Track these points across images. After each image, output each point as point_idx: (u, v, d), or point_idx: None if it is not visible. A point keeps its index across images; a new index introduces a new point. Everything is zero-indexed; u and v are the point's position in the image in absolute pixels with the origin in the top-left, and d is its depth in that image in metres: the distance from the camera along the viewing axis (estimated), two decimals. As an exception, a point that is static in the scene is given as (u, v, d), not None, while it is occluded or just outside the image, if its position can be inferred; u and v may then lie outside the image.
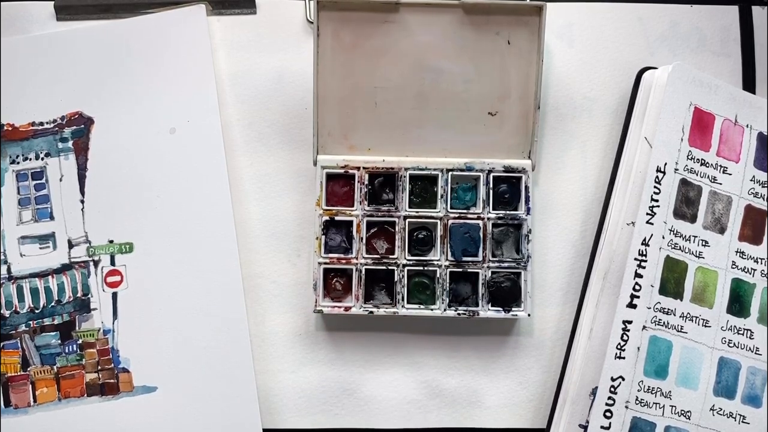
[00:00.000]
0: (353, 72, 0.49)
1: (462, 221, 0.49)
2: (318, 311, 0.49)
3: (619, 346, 0.47)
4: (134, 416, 0.49)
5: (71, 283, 0.50)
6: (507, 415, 0.51)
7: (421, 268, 0.49)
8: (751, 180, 0.50)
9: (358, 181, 0.49)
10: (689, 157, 0.49)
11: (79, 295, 0.50)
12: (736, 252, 0.49)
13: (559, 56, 0.52)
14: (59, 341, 0.49)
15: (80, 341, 0.49)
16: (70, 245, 0.50)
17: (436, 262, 0.49)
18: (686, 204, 0.49)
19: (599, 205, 0.51)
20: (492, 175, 0.49)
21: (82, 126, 0.50)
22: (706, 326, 0.49)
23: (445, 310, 0.49)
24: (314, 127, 0.49)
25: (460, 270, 0.49)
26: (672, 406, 0.48)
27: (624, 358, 0.47)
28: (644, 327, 0.47)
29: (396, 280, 0.49)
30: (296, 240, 0.51)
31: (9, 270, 0.50)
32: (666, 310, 0.48)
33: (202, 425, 0.49)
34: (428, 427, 0.51)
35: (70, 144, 0.50)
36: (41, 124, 0.50)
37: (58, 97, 0.51)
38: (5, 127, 0.50)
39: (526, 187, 0.49)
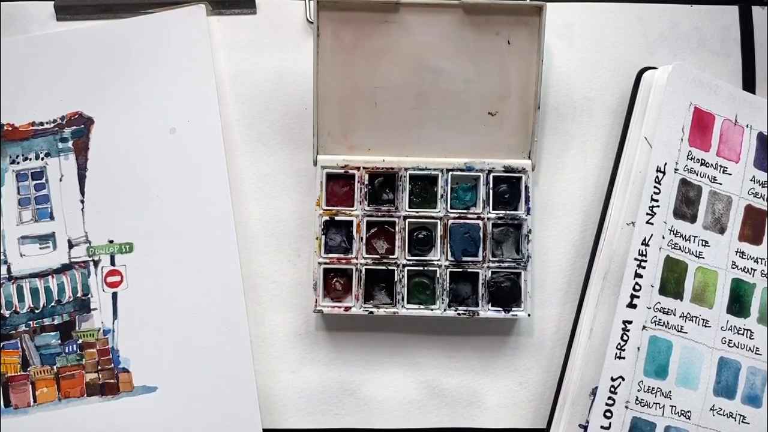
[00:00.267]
0: (353, 72, 0.49)
1: (462, 221, 0.49)
2: (318, 311, 0.49)
3: (619, 346, 0.47)
4: (134, 416, 0.49)
5: (71, 283, 0.50)
6: (507, 415, 0.51)
7: (421, 268, 0.49)
8: (751, 180, 0.50)
9: (358, 181, 0.49)
10: (689, 157, 0.49)
11: (79, 295, 0.50)
12: (736, 252, 0.49)
13: (559, 56, 0.52)
14: (59, 341, 0.49)
15: (80, 341, 0.49)
16: (70, 245, 0.50)
17: (436, 262, 0.49)
18: (686, 204, 0.49)
19: (599, 205, 0.51)
20: (492, 175, 0.49)
21: (82, 126, 0.50)
22: (706, 326, 0.49)
23: (445, 310, 0.49)
24: (314, 127, 0.49)
25: (460, 270, 0.49)
26: (672, 406, 0.48)
27: (624, 358, 0.47)
28: (644, 327, 0.47)
29: (396, 280, 0.49)
30: (296, 240, 0.51)
31: (9, 270, 0.50)
32: (666, 310, 0.48)
33: (202, 425, 0.49)
34: (428, 427, 0.51)
35: (70, 144, 0.50)
36: (41, 124, 0.50)
37: (58, 97, 0.51)
38: (5, 127, 0.50)
39: (526, 187, 0.49)
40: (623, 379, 0.47)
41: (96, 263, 0.50)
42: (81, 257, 0.50)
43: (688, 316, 0.48)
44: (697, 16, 0.53)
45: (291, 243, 0.51)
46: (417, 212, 0.49)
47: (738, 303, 0.49)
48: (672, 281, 0.48)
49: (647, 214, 0.47)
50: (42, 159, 0.50)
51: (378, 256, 0.49)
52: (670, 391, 0.48)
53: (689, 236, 0.48)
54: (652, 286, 0.47)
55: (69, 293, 0.50)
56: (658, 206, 0.48)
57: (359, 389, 0.50)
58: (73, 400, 0.49)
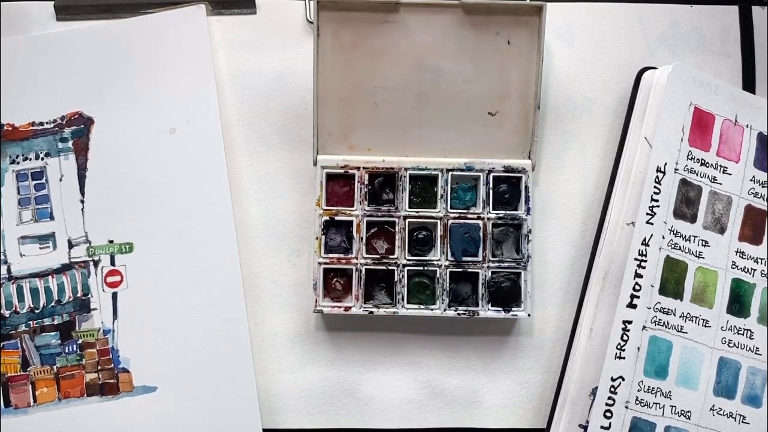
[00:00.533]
0: (353, 72, 0.49)
1: (462, 221, 0.49)
2: (318, 311, 0.49)
3: (619, 346, 0.47)
4: (134, 416, 0.49)
5: (71, 283, 0.50)
6: (507, 415, 0.51)
7: (421, 268, 0.49)
8: (751, 180, 0.50)
9: (358, 181, 0.49)
10: (689, 157, 0.49)
11: (79, 295, 0.50)
12: (736, 252, 0.49)
13: (559, 56, 0.52)
14: (59, 341, 0.49)
15: (80, 341, 0.49)
16: (70, 245, 0.50)
17: (436, 262, 0.49)
18: (686, 204, 0.49)
19: (599, 205, 0.51)
20: (492, 175, 0.49)
21: (82, 126, 0.50)
22: (706, 326, 0.49)
23: (445, 310, 0.49)
24: (314, 127, 0.49)
25: (460, 270, 0.49)
26: (672, 406, 0.48)
27: (624, 358, 0.47)
28: (644, 327, 0.47)
29: (396, 280, 0.49)
30: (296, 240, 0.51)
31: (9, 270, 0.50)
32: (666, 310, 0.48)
33: (202, 425, 0.49)
34: (428, 427, 0.51)
35: (70, 144, 0.50)
36: (41, 124, 0.50)
37: (58, 97, 0.51)
38: (5, 127, 0.50)
39: (526, 187, 0.49)
40: (623, 379, 0.47)
41: (96, 263, 0.50)
42: (81, 257, 0.50)
43: (688, 316, 0.48)
44: (697, 16, 0.53)
45: (291, 243, 0.51)
46: (417, 212, 0.49)
47: (738, 303, 0.49)
48: (672, 281, 0.48)
49: (647, 214, 0.47)
50: (42, 159, 0.50)
51: (378, 256, 0.49)
52: (670, 391, 0.48)
53: (689, 236, 0.48)
54: (652, 286, 0.47)
55: (69, 293, 0.50)
56: (658, 206, 0.48)
57: (359, 389, 0.50)
58: (73, 400, 0.49)
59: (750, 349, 0.49)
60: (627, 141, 0.50)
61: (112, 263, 0.50)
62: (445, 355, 0.51)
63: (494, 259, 0.49)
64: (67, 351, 0.49)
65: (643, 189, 0.48)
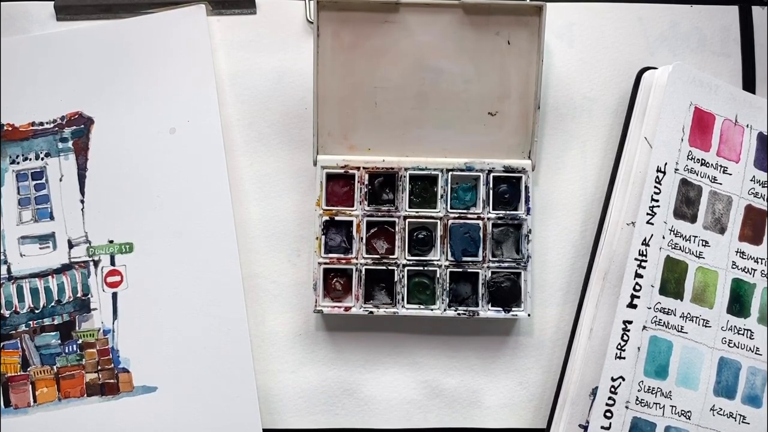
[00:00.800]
0: (353, 72, 0.49)
1: (462, 221, 0.49)
2: (318, 311, 0.49)
3: (619, 346, 0.47)
4: (134, 416, 0.49)
5: (71, 283, 0.50)
6: (507, 415, 0.51)
7: (421, 268, 0.49)
8: (751, 180, 0.50)
9: (358, 181, 0.49)
10: (689, 157, 0.49)
11: (79, 295, 0.50)
12: (737, 252, 0.49)
13: (559, 56, 0.52)
14: (59, 341, 0.49)
15: (80, 341, 0.49)
16: (70, 245, 0.50)
17: (436, 262, 0.49)
18: (686, 204, 0.49)
19: (599, 205, 0.51)
20: (492, 175, 0.49)
21: (82, 126, 0.50)
22: (706, 326, 0.49)
23: (445, 310, 0.49)
24: (314, 127, 0.49)
25: (460, 270, 0.49)
26: (672, 406, 0.48)
27: (624, 358, 0.47)
28: (644, 327, 0.47)
29: (396, 280, 0.49)
30: (296, 240, 0.51)
31: (9, 270, 0.50)
32: (666, 310, 0.48)
33: (202, 425, 0.49)
34: (428, 427, 0.51)
35: (70, 144, 0.50)
36: (41, 124, 0.50)
37: (58, 97, 0.51)
38: (5, 127, 0.50)
39: (526, 187, 0.49)
40: (623, 379, 0.47)
41: (96, 263, 0.50)
42: (81, 257, 0.50)
43: (689, 316, 0.48)
44: (697, 16, 0.53)
45: (291, 243, 0.51)
46: (417, 212, 0.49)
47: (738, 303, 0.49)
48: (672, 281, 0.48)
49: (647, 214, 0.47)
50: (42, 159, 0.50)
51: (378, 256, 0.49)
52: (670, 391, 0.48)
53: (689, 236, 0.48)
54: (652, 286, 0.47)
55: (69, 293, 0.50)
56: (658, 206, 0.48)
57: (359, 389, 0.50)
58: (73, 400, 0.49)
59: (750, 349, 0.49)
60: (627, 141, 0.50)
61: (112, 263, 0.50)
62: (445, 355, 0.51)
63: (494, 259, 0.49)
64: (67, 351, 0.49)
65: (643, 189, 0.48)
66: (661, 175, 0.48)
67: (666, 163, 0.48)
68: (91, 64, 0.51)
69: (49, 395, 0.49)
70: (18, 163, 0.50)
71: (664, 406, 0.48)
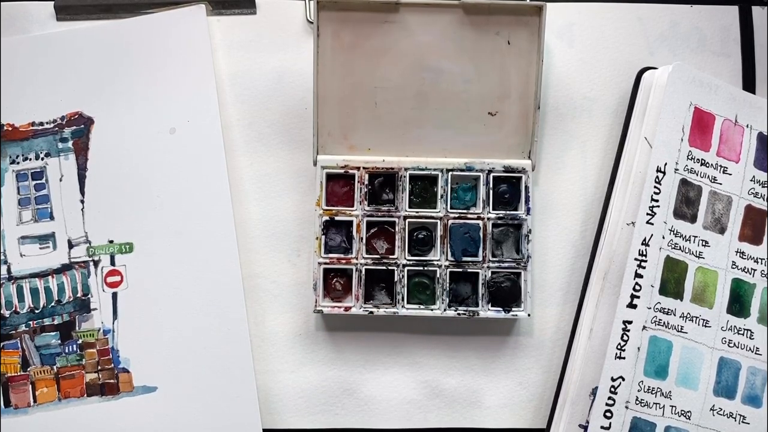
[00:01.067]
0: (353, 72, 0.49)
1: (462, 221, 0.49)
2: (318, 311, 0.49)
3: (619, 346, 0.47)
4: (134, 416, 0.49)
5: (71, 283, 0.50)
6: (507, 415, 0.51)
7: (421, 268, 0.49)
8: (751, 180, 0.50)
9: (358, 181, 0.49)
10: (689, 157, 0.49)
11: (79, 295, 0.50)
12: (736, 252, 0.49)
13: (559, 56, 0.52)
14: (59, 341, 0.49)
15: (80, 341, 0.49)
16: (70, 245, 0.50)
17: (436, 262, 0.49)
18: (686, 204, 0.49)
19: (599, 205, 0.51)
20: (492, 175, 0.49)
21: (82, 126, 0.50)
22: (706, 326, 0.49)
23: (445, 310, 0.49)
24: (314, 127, 0.49)
25: (460, 270, 0.49)
26: (672, 406, 0.48)
27: (624, 358, 0.47)
28: (644, 327, 0.47)
29: (396, 280, 0.49)
30: (296, 240, 0.51)
31: (9, 270, 0.50)
32: (666, 310, 0.48)
33: (202, 425, 0.49)
34: (428, 427, 0.51)
35: (70, 144, 0.50)
36: (41, 124, 0.50)
37: (58, 97, 0.51)
38: (5, 127, 0.50)
39: (526, 187, 0.49)
40: (623, 379, 0.47)
41: (96, 263, 0.50)
42: (81, 257, 0.50)
43: (688, 316, 0.48)
44: (697, 16, 0.53)
45: (291, 243, 0.51)
46: (417, 212, 0.49)
47: (738, 303, 0.49)
48: (672, 281, 0.48)
49: (647, 214, 0.47)
50: (42, 159, 0.50)
51: (378, 256, 0.49)
52: (670, 391, 0.48)
53: (689, 236, 0.48)
54: (652, 286, 0.47)
55: (69, 293, 0.50)
56: (658, 206, 0.48)
57: (359, 389, 0.50)
58: (73, 400, 0.49)
59: (750, 349, 0.49)
60: (627, 141, 0.50)
61: (112, 263, 0.50)
62: (445, 355, 0.51)
63: (494, 259, 0.49)
64: (67, 351, 0.49)
65: (643, 189, 0.48)
66: (661, 175, 0.48)
67: (666, 163, 0.48)
68: (91, 64, 0.51)
69: (49, 395, 0.49)
70: (18, 163, 0.50)
71: (664, 406, 0.48)
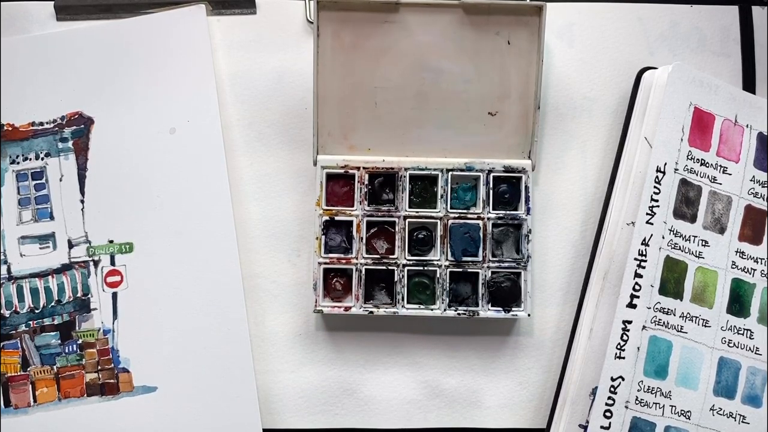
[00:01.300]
0: (353, 72, 0.49)
1: (462, 221, 0.49)
2: (318, 311, 0.49)
3: (619, 346, 0.47)
4: (134, 416, 0.49)
5: (71, 283, 0.50)
6: (507, 415, 0.51)
7: (421, 268, 0.49)
8: (751, 180, 0.50)
9: (358, 181, 0.49)
10: (689, 157, 0.49)
11: (79, 295, 0.50)
12: (736, 252, 0.49)
13: (559, 56, 0.52)
14: (59, 341, 0.49)
15: (80, 341, 0.49)
16: (70, 245, 0.50)
17: (436, 262, 0.49)
18: (686, 204, 0.49)
19: (599, 205, 0.51)
20: (492, 175, 0.49)
21: (82, 126, 0.50)
22: (706, 326, 0.49)
23: (445, 310, 0.49)
24: (314, 127, 0.49)
25: (460, 270, 0.49)
26: (672, 406, 0.48)
27: (624, 358, 0.47)
28: (644, 327, 0.47)
29: (396, 280, 0.49)
30: (296, 240, 0.51)
31: (9, 270, 0.50)
32: (666, 310, 0.48)
33: (202, 425, 0.49)
34: (428, 427, 0.51)
35: (70, 144, 0.50)
36: (41, 124, 0.50)
37: (58, 97, 0.51)
38: (5, 127, 0.50)
39: (526, 187, 0.49)
40: (623, 379, 0.47)
41: (96, 263, 0.50)
42: (81, 257, 0.50)
43: (688, 316, 0.48)
44: (697, 16, 0.53)
45: (291, 243, 0.51)
46: (417, 212, 0.49)
47: (738, 303, 0.49)
48: (672, 281, 0.48)
49: (647, 214, 0.47)
50: (42, 159, 0.50)
51: (378, 256, 0.49)
52: (670, 391, 0.48)
53: (689, 236, 0.48)
54: (652, 286, 0.47)
55: (69, 293, 0.50)
56: (658, 206, 0.48)
57: (359, 389, 0.51)
58: (73, 400, 0.49)
59: (750, 349, 0.49)
60: (627, 141, 0.50)
61: (112, 263, 0.50)
62: (445, 355, 0.51)
63: (494, 259, 0.49)
64: (67, 351, 0.49)
65: (643, 189, 0.48)
66: (660, 175, 0.48)
67: (666, 163, 0.48)
68: (91, 64, 0.51)
69: (49, 395, 0.49)
70: (18, 163, 0.50)
71: (663, 405, 0.48)
